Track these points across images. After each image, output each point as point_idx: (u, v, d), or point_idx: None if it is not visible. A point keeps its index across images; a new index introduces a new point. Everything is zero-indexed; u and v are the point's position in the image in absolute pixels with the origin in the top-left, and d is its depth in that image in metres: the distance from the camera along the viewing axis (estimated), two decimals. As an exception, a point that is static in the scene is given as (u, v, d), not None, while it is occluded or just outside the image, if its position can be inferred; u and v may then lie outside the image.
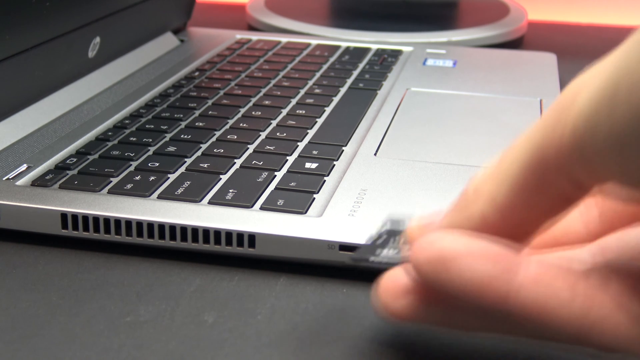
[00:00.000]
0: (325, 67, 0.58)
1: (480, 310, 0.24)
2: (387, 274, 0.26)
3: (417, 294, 0.25)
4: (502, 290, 0.22)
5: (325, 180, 0.38)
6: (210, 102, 0.50)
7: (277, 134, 0.44)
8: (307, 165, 0.40)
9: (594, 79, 0.20)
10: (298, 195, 0.36)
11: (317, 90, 0.53)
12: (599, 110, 0.20)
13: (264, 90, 0.52)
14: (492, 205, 0.23)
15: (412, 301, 0.25)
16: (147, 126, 0.45)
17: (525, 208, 0.23)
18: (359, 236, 0.32)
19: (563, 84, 0.55)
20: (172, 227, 0.34)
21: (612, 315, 0.22)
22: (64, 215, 0.35)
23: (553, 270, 0.23)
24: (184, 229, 0.34)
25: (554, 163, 0.21)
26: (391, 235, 0.27)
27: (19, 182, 0.37)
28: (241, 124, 0.46)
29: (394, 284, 0.25)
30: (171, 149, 0.42)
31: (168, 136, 0.44)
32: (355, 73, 0.57)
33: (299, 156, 0.41)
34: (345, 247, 0.33)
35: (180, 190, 0.36)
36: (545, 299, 0.22)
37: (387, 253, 0.27)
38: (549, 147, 0.21)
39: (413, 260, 0.23)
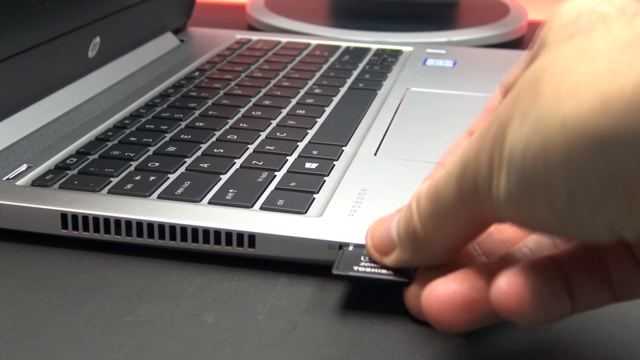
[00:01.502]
0: (325, 67, 0.58)
1: None
2: (434, 289, 0.26)
3: (476, 310, 0.26)
4: None
5: (325, 180, 0.38)
6: (210, 102, 0.50)
7: (277, 134, 0.44)
8: (307, 165, 0.40)
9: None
10: (298, 195, 0.36)
11: (317, 90, 0.53)
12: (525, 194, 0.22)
13: (264, 90, 0.52)
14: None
15: (472, 317, 0.26)
16: (147, 126, 0.45)
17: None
18: (359, 236, 0.32)
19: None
20: (172, 227, 0.34)
21: None
22: (64, 215, 0.35)
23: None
24: (184, 229, 0.34)
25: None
26: (359, 253, 0.31)
27: (19, 182, 0.37)
28: (241, 124, 0.46)
29: (452, 301, 0.26)
30: (171, 149, 0.42)
31: (168, 136, 0.44)
32: (355, 73, 0.57)
33: (299, 156, 0.41)
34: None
35: (180, 190, 0.36)
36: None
37: (364, 270, 0.30)
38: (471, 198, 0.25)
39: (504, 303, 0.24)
